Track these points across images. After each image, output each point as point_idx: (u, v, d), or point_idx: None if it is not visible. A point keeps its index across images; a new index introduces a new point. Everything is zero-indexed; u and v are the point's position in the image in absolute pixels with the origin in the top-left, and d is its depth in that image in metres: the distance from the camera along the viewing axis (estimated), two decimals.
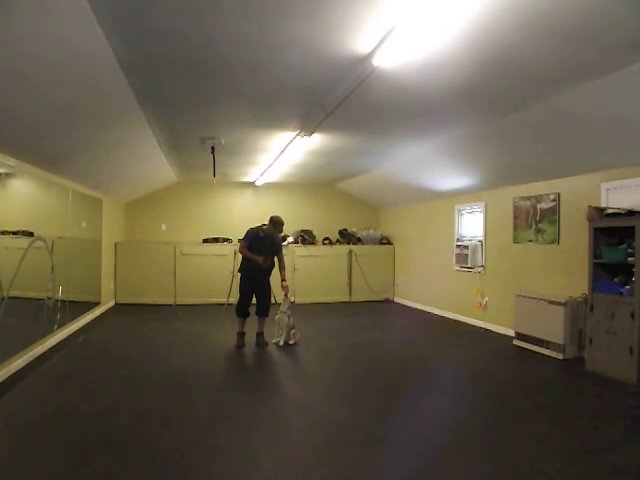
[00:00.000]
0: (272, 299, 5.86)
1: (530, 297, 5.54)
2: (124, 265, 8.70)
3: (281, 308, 5.68)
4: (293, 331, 5.71)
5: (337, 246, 9.84)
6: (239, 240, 6.03)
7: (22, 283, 4.52)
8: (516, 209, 6.33)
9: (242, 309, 5.60)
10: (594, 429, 3.25)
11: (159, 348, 5.54)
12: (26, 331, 4.76)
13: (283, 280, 5.67)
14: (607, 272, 4.59)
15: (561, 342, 5.06)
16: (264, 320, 5.75)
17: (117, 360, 4.95)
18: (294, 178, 9.32)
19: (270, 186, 9.96)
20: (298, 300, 9.17)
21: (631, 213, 4.31)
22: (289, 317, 5.69)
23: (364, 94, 3.99)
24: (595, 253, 4.60)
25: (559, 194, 5.61)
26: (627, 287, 4.29)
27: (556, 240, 5.64)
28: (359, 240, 10.02)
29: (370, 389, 4.15)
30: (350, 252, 9.76)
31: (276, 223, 5.65)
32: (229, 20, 2.78)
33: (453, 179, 7.05)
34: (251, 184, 9.99)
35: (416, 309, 8.82)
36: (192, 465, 2.69)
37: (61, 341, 5.59)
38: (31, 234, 4.79)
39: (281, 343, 5.59)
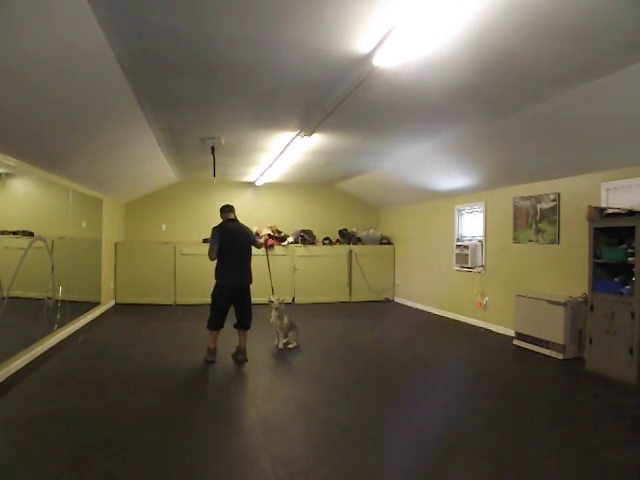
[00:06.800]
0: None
1: (530, 297, 5.54)
2: (124, 265, 8.70)
3: (273, 307, 5.50)
4: (292, 333, 5.57)
5: (337, 246, 9.83)
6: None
7: (22, 283, 4.52)
8: (516, 209, 6.33)
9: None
10: (594, 429, 3.26)
11: (159, 348, 5.54)
12: (26, 331, 4.76)
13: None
14: (607, 272, 4.59)
15: (561, 342, 5.06)
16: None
17: (117, 360, 4.95)
18: (294, 178, 9.31)
19: (270, 186, 9.96)
20: (298, 300, 9.19)
21: (631, 213, 4.31)
22: (279, 317, 5.47)
23: (364, 94, 3.99)
24: (595, 253, 4.60)
25: (559, 194, 5.61)
26: (627, 287, 4.29)
27: (556, 240, 5.64)
28: (359, 240, 10.02)
29: (370, 389, 4.15)
30: (350, 252, 9.75)
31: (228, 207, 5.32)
32: (229, 20, 2.78)
33: (453, 179, 7.05)
34: (251, 184, 9.99)
35: (416, 309, 8.82)
36: (192, 465, 2.69)
37: (61, 341, 5.59)
38: (31, 234, 4.79)
39: (280, 346, 5.54)
